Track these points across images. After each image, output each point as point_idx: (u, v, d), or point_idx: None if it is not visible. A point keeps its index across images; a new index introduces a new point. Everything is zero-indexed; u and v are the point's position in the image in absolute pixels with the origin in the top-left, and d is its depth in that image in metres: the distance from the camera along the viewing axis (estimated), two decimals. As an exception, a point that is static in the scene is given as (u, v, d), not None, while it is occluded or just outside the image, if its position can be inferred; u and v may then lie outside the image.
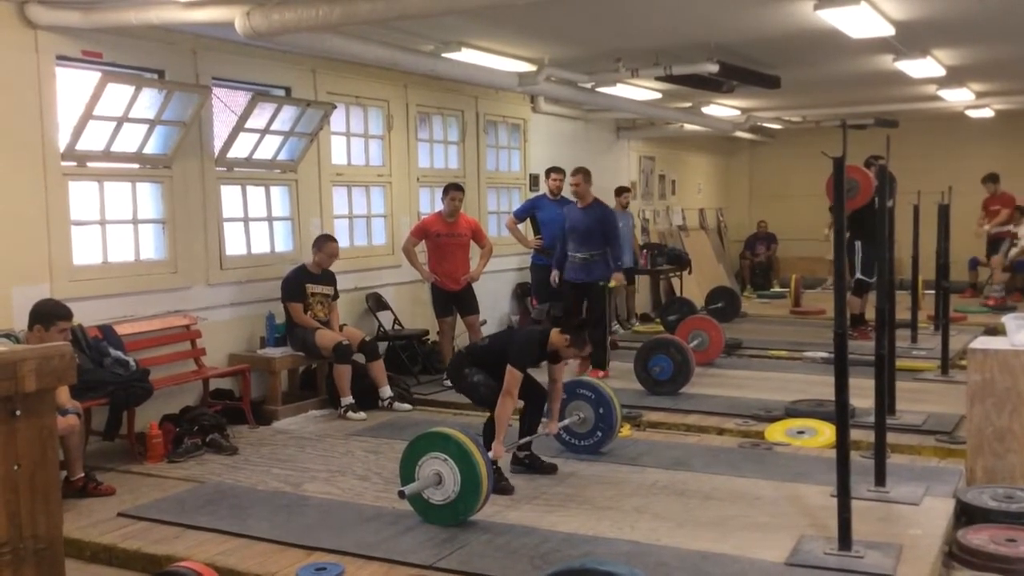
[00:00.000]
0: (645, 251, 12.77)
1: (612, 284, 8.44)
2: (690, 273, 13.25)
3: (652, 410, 7.13)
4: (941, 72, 9.42)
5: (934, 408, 6.79)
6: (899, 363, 6.78)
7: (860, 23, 6.86)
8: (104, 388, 5.78)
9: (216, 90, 7.19)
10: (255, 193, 7.75)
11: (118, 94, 6.24)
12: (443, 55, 7.71)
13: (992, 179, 13.45)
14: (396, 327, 8.75)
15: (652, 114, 11.82)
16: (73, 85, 6.28)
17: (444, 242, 8.28)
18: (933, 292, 9.76)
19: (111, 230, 6.63)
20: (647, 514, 4.82)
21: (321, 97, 7.98)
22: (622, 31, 7.54)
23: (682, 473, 5.51)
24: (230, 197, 7.50)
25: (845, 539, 4.12)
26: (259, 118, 7.28)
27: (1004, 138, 15.12)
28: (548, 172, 9.90)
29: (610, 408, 5.88)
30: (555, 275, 8.63)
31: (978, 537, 4.34)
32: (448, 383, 7.40)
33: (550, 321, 8.59)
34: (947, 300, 8.64)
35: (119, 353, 6.06)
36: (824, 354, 8.73)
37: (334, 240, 7.60)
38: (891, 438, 5.44)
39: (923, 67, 9.03)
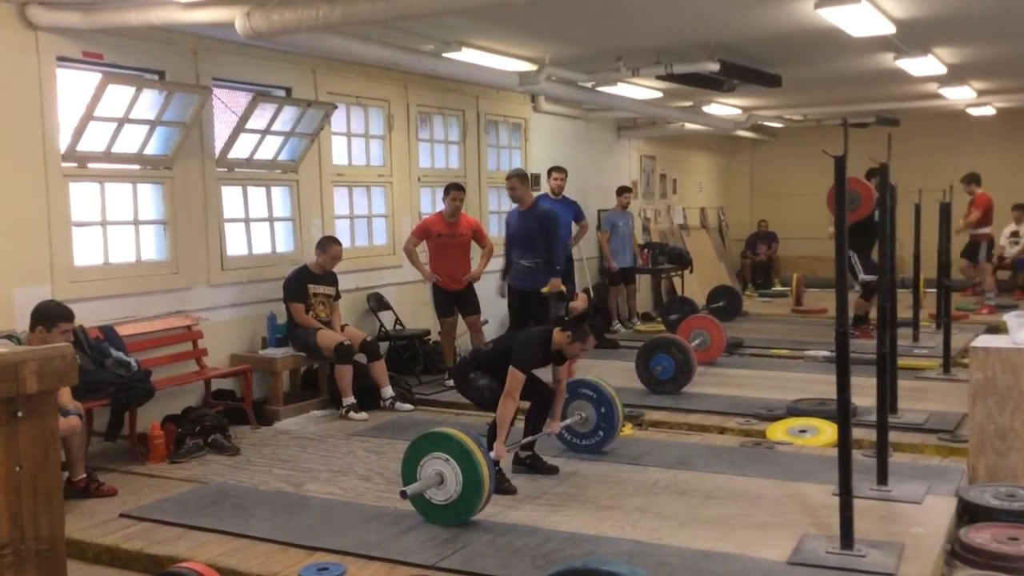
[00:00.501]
0: (646, 250, 12.79)
1: (545, 290, 8.12)
2: (691, 272, 13.26)
3: (654, 409, 7.13)
4: (942, 70, 9.41)
5: (936, 407, 6.79)
6: (901, 362, 6.77)
7: (861, 21, 6.86)
8: (106, 389, 5.78)
9: (217, 91, 7.20)
10: (256, 194, 7.75)
11: (119, 95, 6.24)
12: (444, 55, 7.71)
13: (971, 179, 12.70)
14: (397, 327, 8.75)
15: (653, 113, 11.82)
16: (74, 86, 6.28)
17: (445, 242, 8.27)
18: (934, 290, 9.75)
19: (112, 231, 6.63)
20: (649, 513, 4.82)
21: (322, 97, 7.98)
22: (623, 30, 7.54)
23: (684, 472, 5.51)
24: (231, 198, 7.50)
25: (847, 538, 4.12)
26: (260, 118, 7.28)
27: (1005, 136, 15.12)
28: (549, 172, 9.91)
29: (612, 407, 5.88)
30: (500, 284, 8.33)
31: (980, 536, 4.34)
32: (450, 383, 7.41)
33: (553, 322, 8.58)
34: (948, 298, 8.63)
35: (120, 354, 6.06)
36: (826, 353, 8.74)
37: (338, 243, 7.60)
38: (893, 437, 5.43)
39: (924, 65, 9.02)
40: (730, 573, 4.04)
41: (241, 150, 7.38)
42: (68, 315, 5.32)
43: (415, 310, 9.05)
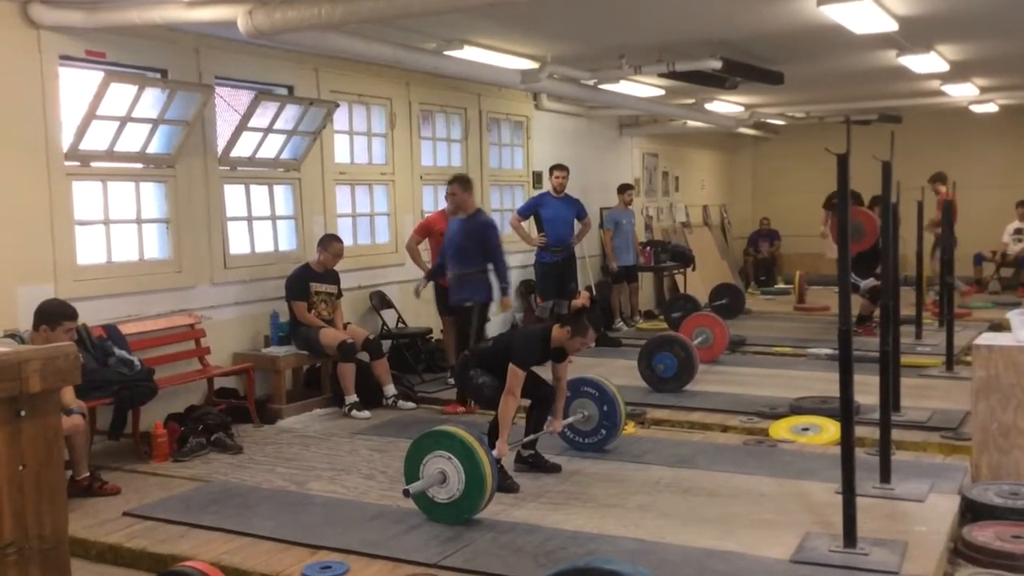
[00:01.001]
0: (648, 248, 12.79)
1: (501, 310, 7.66)
2: (694, 270, 13.25)
3: (656, 407, 7.13)
4: (945, 67, 9.40)
5: (939, 404, 6.78)
6: (904, 359, 6.76)
7: (863, 18, 6.85)
8: (109, 388, 5.78)
9: (219, 89, 7.20)
10: (258, 192, 7.75)
11: (121, 94, 6.25)
12: (446, 53, 7.71)
13: (936, 179, 12.20)
14: (400, 325, 8.75)
15: (655, 111, 11.81)
16: (76, 85, 6.29)
17: (448, 240, 8.26)
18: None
19: (115, 230, 6.63)
20: (651, 512, 4.81)
21: (324, 95, 7.98)
22: (625, 28, 7.54)
23: (686, 470, 5.50)
24: (233, 196, 7.51)
25: (850, 536, 4.11)
26: (262, 117, 7.29)
27: (1008, 133, 15.11)
28: (551, 169, 9.90)
29: (614, 406, 5.88)
30: (420, 284, 7.90)
31: (983, 534, 4.33)
32: (451, 381, 7.40)
33: (553, 319, 8.57)
34: (951, 296, 8.62)
35: (123, 352, 6.07)
36: (828, 351, 8.73)
37: (339, 240, 7.61)
38: (896, 435, 5.43)
39: (927, 62, 9.01)
40: (733, 572, 4.03)
41: (243, 149, 7.38)
42: (72, 313, 5.33)
43: (417, 308, 9.05)
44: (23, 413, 2.57)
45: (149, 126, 6.56)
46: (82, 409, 5.28)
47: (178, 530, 4.73)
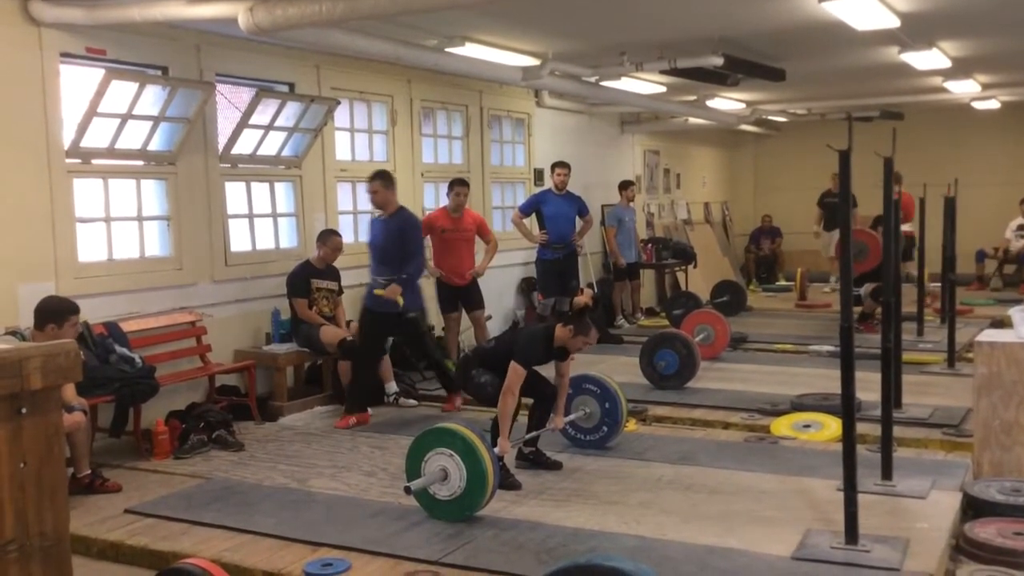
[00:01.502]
0: (650, 245, 12.77)
1: (378, 292, 6.88)
2: (695, 267, 13.24)
3: (658, 404, 7.13)
4: (947, 64, 9.38)
5: (940, 401, 6.77)
6: (905, 356, 6.76)
7: (865, 15, 6.84)
8: (110, 385, 5.79)
9: (220, 86, 7.19)
10: (259, 189, 7.75)
11: (122, 91, 6.24)
12: (447, 50, 7.70)
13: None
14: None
15: (657, 108, 11.80)
16: (77, 82, 6.28)
17: (449, 237, 8.26)
18: (939, 285, 9.70)
19: (116, 227, 6.63)
20: (653, 509, 4.81)
21: (325, 93, 7.98)
22: (626, 25, 7.53)
23: (688, 467, 5.50)
24: (234, 193, 7.50)
25: (852, 533, 4.11)
26: (263, 114, 7.28)
27: (1010, 129, 15.09)
28: (553, 167, 9.89)
29: (616, 403, 5.88)
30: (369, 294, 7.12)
31: (985, 531, 4.33)
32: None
33: (555, 317, 8.57)
34: (953, 293, 8.61)
35: (124, 350, 6.07)
36: (830, 348, 8.72)
37: (338, 234, 7.60)
38: (897, 432, 5.42)
39: (929, 59, 9.00)
40: (734, 568, 4.03)
41: (244, 146, 7.38)
42: (76, 308, 5.37)
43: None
44: (24, 410, 2.58)
45: (150, 123, 6.56)
46: (83, 406, 5.29)
47: (179, 527, 4.73)
